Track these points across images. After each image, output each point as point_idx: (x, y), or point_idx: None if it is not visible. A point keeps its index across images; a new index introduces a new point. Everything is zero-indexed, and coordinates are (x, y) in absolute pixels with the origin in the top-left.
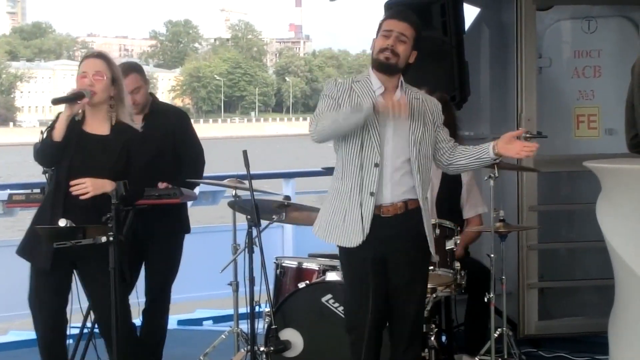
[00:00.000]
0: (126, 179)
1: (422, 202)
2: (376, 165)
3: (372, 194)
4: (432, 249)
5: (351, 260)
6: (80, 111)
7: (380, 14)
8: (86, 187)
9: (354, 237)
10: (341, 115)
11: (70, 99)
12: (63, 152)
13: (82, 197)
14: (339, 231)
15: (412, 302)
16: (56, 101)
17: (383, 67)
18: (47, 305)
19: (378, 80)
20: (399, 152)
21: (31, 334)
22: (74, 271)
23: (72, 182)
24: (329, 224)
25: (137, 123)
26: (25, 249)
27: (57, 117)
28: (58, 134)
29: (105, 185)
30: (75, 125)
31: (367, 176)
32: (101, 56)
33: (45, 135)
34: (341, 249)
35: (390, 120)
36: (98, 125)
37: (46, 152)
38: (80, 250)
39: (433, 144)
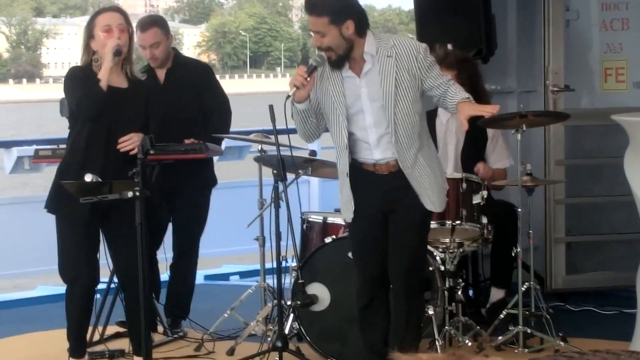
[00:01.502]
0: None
1: (406, 165)
2: (346, 146)
3: (346, 175)
4: (431, 204)
5: (354, 219)
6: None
7: None
8: (134, 141)
9: (347, 212)
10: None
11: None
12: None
13: (131, 153)
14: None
15: (405, 245)
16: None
17: (332, 67)
18: (84, 258)
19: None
20: (379, 119)
21: (59, 289)
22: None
23: (122, 139)
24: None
25: (160, 77)
26: (55, 204)
27: (77, 71)
28: (104, 85)
29: (143, 138)
30: (93, 79)
31: (341, 158)
32: (120, 10)
33: (88, 91)
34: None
35: (363, 92)
36: (116, 79)
37: (97, 105)
38: (108, 204)
39: (416, 99)
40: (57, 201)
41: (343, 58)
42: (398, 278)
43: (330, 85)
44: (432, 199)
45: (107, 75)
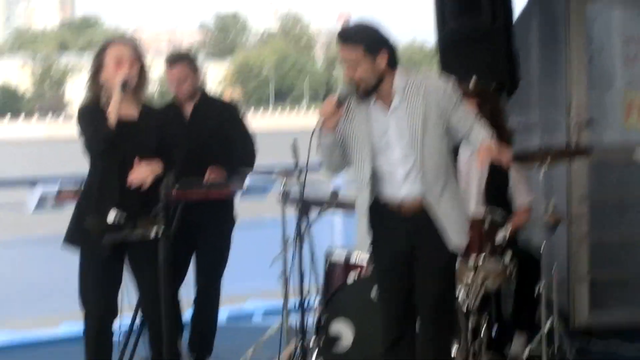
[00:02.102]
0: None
1: (435, 195)
2: (369, 183)
3: (364, 213)
4: (457, 239)
5: (378, 258)
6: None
7: (429, 2)
8: (143, 173)
9: (362, 247)
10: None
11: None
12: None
13: (143, 187)
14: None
15: (434, 287)
16: (126, 85)
17: (360, 99)
18: (102, 292)
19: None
20: (406, 155)
21: (82, 327)
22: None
23: (131, 176)
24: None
25: (186, 113)
26: (75, 237)
27: (85, 109)
28: (113, 120)
29: (156, 168)
30: (104, 113)
31: (361, 194)
32: (131, 41)
33: (96, 127)
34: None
35: (391, 127)
36: (124, 110)
37: (102, 139)
38: (133, 240)
39: (442, 135)
40: (76, 234)
41: (373, 90)
42: (426, 323)
43: (356, 119)
44: (457, 234)
45: (116, 110)
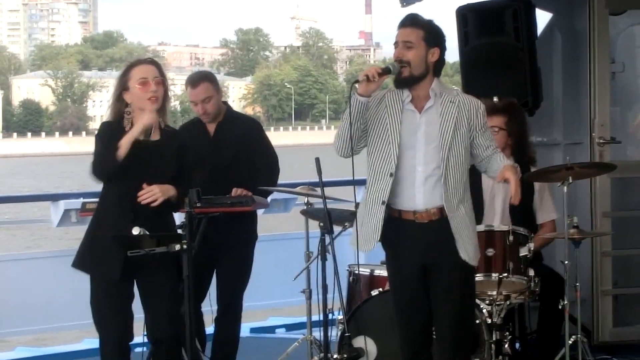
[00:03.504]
0: (180, 183)
1: (450, 210)
2: (391, 174)
3: (383, 202)
4: (466, 254)
5: (394, 271)
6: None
7: (451, 20)
8: (155, 194)
9: (366, 243)
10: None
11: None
12: (122, 168)
13: (152, 205)
14: (356, 237)
15: (451, 305)
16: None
17: (397, 83)
18: (116, 315)
19: (407, 89)
20: (430, 158)
21: None
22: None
23: (141, 192)
24: (353, 230)
25: (210, 130)
26: (86, 261)
27: (106, 128)
28: (123, 153)
29: (169, 190)
30: (124, 133)
31: (382, 185)
32: (155, 62)
33: (104, 151)
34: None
35: (420, 127)
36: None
37: (107, 169)
38: (143, 260)
39: (467, 148)
40: (86, 258)
41: (413, 80)
42: (445, 339)
43: (387, 111)
44: (469, 251)
45: (129, 144)
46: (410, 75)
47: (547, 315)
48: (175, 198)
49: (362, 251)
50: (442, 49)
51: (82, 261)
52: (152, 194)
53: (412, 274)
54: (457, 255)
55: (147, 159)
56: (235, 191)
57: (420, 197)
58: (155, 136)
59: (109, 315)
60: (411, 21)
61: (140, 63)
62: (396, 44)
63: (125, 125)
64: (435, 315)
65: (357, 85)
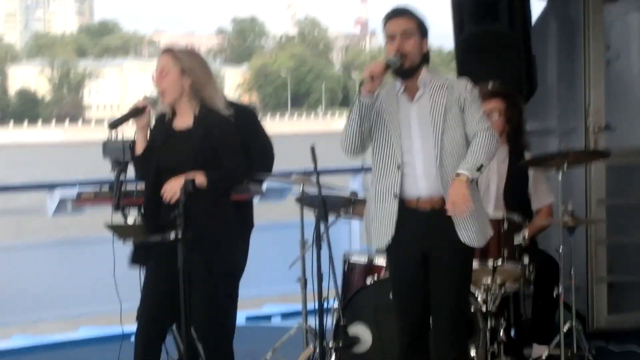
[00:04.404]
0: (214, 167)
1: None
2: (398, 167)
3: (395, 196)
4: (467, 237)
5: (394, 258)
6: (168, 109)
7: (446, 8)
8: (171, 190)
9: (380, 238)
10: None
11: (128, 116)
12: (148, 162)
13: (172, 201)
14: (369, 233)
15: (451, 292)
16: (113, 125)
17: (398, 74)
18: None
19: (399, 81)
20: (428, 147)
21: (101, 331)
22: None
23: (163, 190)
24: (366, 226)
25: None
26: (138, 256)
27: (127, 115)
28: (139, 148)
29: (188, 178)
30: (165, 125)
31: (390, 178)
32: (166, 51)
33: (129, 151)
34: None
35: (413, 117)
36: (185, 119)
37: (134, 166)
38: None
39: (462, 129)
40: (140, 252)
41: (412, 71)
42: (442, 322)
43: (384, 105)
44: (474, 233)
45: (140, 138)
46: (410, 66)
47: (541, 300)
48: (205, 183)
49: (376, 248)
50: (427, 39)
51: (136, 258)
52: (170, 192)
53: (412, 263)
54: (457, 238)
55: (175, 150)
56: None
57: (423, 185)
58: (186, 124)
59: (143, 302)
60: (405, 12)
61: (162, 51)
62: (392, 36)
63: (166, 115)
64: (435, 297)
65: (361, 87)
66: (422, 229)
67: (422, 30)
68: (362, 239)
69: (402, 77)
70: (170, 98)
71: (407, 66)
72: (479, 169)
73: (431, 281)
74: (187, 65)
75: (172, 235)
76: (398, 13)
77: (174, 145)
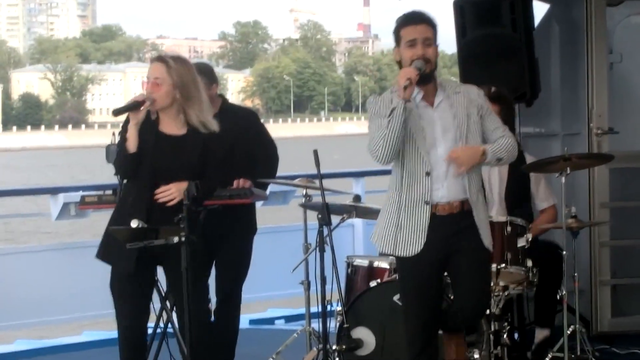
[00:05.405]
0: (201, 178)
1: (473, 197)
2: (427, 173)
3: (426, 202)
4: (487, 242)
5: (418, 265)
6: (155, 112)
7: (448, 12)
8: (172, 193)
9: (411, 247)
10: (385, 125)
11: (130, 108)
12: (140, 160)
13: (169, 204)
14: (395, 241)
15: (474, 284)
16: (117, 112)
17: (424, 80)
18: (127, 305)
19: (417, 87)
20: (450, 150)
21: (104, 334)
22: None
23: (158, 191)
24: (386, 235)
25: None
26: (106, 253)
27: (127, 121)
28: (132, 145)
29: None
30: (151, 126)
31: (420, 185)
32: (161, 60)
33: (118, 147)
34: (398, 258)
35: (436, 123)
36: (173, 126)
37: (124, 164)
38: (164, 249)
39: (480, 132)
40: (106, 250)
41: (432, 77)
42: (467, 320)
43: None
44: (488, 237)
45: (133, 133)
46: (431, 71)
47: (544, 300)
48: (189, 193)
49: (404, 255)
50: None
51: (104, 253)
52: (169, 193)
53: (434, 268)
54: (480, 242)
55: (169, 155)
56: (237, 182)
57: (445, 190)
58: (181, 131)
59: (120, 304)
60: (425, 18)
61: (151, 61)
62: (412, 41)
63: (151, 115)
64: (459, 299)
65: (399, 95)
66: (448, 233)
67: (436, 37)
68: (365, 242)
69: (422, 83)
70: (160, 106)
71: (428, 72)
72: (498, 160)
73: (456, 282)
74: (180, 80)
75: (176, 239)
76: (418, 19)
77: (166, 149)
